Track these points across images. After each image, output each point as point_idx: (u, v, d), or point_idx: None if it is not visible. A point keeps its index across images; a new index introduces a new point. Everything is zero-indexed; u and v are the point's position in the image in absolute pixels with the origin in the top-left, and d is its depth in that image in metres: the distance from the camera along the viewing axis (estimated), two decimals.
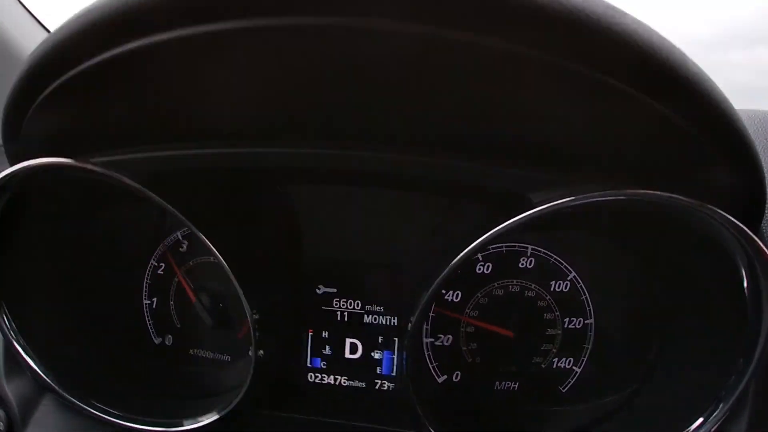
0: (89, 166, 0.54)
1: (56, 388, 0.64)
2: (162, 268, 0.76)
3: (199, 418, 0.61)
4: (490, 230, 0.50)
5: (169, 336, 0.77)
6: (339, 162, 0.56)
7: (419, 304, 0.55)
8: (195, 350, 0.76)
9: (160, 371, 0.75)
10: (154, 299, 0.77)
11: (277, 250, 0.70)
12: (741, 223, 0.46)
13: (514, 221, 0.49)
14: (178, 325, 0.76)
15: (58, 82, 0.46)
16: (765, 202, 0.49)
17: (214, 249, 0.54)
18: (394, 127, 0.52)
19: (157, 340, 0.77)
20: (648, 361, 0.64)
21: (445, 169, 0.53)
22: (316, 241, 0.70)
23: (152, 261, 0.76)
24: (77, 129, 0.56)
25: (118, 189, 0.55)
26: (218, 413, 0.60)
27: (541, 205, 0.48)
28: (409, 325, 0.56)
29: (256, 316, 0.57)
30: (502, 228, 0.49)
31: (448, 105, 0.47)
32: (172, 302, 0.76)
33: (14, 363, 0.65)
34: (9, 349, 0.65)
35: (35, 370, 0.63)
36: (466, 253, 0.51)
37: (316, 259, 0.70)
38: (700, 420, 0.54)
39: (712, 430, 0.53)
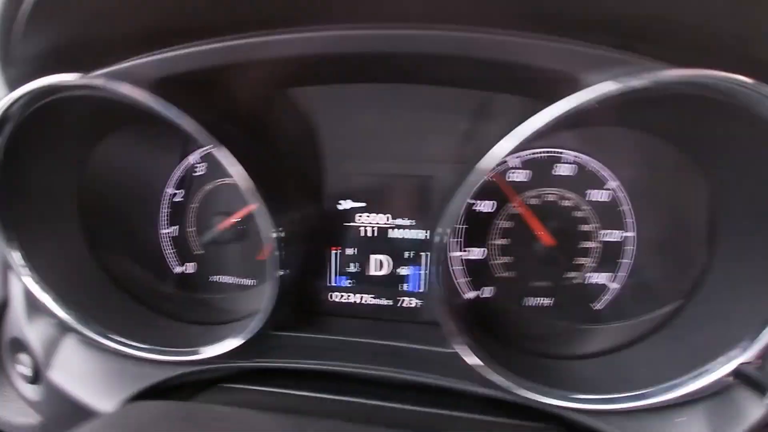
0: (92, 81, 0.51)
1: (76, 325, 0.62)
2: (179, 195, 0.74)
3: (222, 343, 0.59)
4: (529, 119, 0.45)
5: (189, 264, 0.75)
6: (360, 44, 0.50)
7: (447, 215, 0.51)
8: (217, 276, 0.75)
9: (181, 300, 0.73)
10: (175, 227, 0.75)
11: (297, 163, 0.66)
12: None
13: (567, 106, 0.44)
14: (200, 252, 0.74)
15: None
16: None
17: (237, 164, 0.52)
18: None
19: (178, 269, 0.75)
20: (692, 275, 0.60)
21: (485, 45, 0.47)
22: (337, 151, 0.66)
23: (167, 189, 0.73)
24: (74, 44, 0.52)
25: (126, 109, 0.52)
26: (242, 337, 0.58)
27: (596, 83, 0.43)
28: (437, 237, 0.53)
29: (279, 234, 0.55)
30: (550, 115, 0.44)
31: None
32: (192, 229, 0.74)
33: (34, 306, 0.64)
34: (29, 292, 0.63)
35: (54, 310, 0.62)
36: (498, 153, 0.47)
37: (338, 173, 0.67)
38: (745, 342, 0.49)
39: (757, 356, 0.49)
